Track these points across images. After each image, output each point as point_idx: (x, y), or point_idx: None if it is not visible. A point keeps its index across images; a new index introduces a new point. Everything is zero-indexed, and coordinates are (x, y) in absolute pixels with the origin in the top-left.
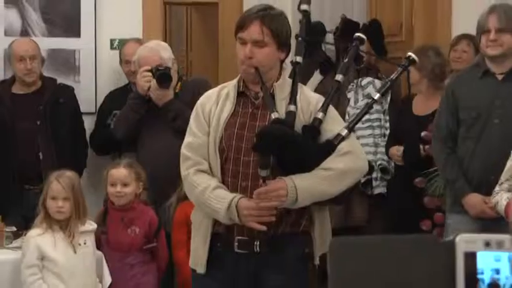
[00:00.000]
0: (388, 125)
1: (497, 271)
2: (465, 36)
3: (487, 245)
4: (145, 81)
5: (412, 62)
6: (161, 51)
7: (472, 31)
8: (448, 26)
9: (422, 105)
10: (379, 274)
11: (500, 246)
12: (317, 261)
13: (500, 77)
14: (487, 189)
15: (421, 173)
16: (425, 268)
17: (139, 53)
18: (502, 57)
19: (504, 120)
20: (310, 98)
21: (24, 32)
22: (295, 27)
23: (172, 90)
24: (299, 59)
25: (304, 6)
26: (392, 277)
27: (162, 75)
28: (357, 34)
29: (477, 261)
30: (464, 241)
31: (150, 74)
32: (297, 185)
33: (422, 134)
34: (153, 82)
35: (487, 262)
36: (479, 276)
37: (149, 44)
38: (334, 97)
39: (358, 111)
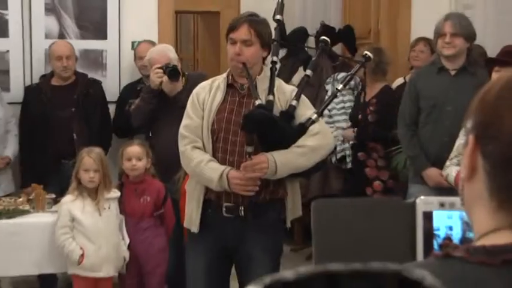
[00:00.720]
0: None
1: (450, 228)
2: (422, 39)
3: (442, 205)
4: (157, 77)
5: (368, 59)
6: (168, 52)
7: (428, 35)
8: (408, 30)
9: (367, 94)
10: (353, 229)
11: (452, 206)
12: (288, 225)
13: (453, 73)
14: (442, 164)
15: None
16: (391, 224)
17: (150, 54)
18: (455, 56)
19: (456, 107)
20: (285, 89)
21: (61, 36)
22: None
23: (181, 83)
24: (275, 58)
25: (277, 16)
26: (364, 231)
27: (172, 71)
28: (322, 37)
29: (433, 219)
30: (423, 202)
31: (161, 71)
32: (276, 159)
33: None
34: (165, 78)
35: (441, 220)
36: (435, 232)
37: (158, 47)
38: (314, 89)
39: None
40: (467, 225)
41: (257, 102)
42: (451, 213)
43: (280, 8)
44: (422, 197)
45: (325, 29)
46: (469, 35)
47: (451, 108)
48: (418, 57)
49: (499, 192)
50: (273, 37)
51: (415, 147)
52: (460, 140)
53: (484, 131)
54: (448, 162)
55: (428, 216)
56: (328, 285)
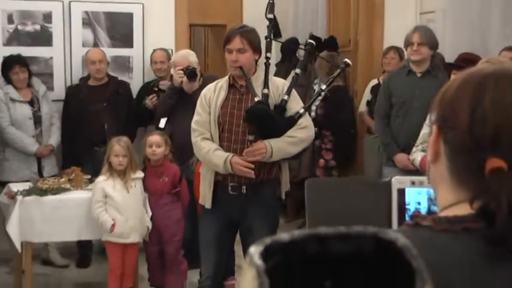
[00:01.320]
0: None
1: (419, 203)
2: (392, 48)
3: (413, 183)
4: (179, 77)
5: (347, 65)
6: (189, 56)
7: (398, 44)
8: (382, 40)
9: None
10: (340, 202)
11: (421, 184)
12: (283, 196)
13: (419, 75)
14: (410, 150)
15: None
16: (371, 199)
17: (174, 57)
18: (421, 62)
19: (421, 104)
20: (277, 83)
21: (95, 44)
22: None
23: (198, 83)
24: (269, 54)
25: (269, 15)
26: (349, 205)
27: (190, 73)
28: (308, 40)
29: (406, 195)
30: (397, 181)
31: (182, 72)
32: (273, 146)
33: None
34: (185, 78)
35: (412, 196)
36: (407, 206)
37: (181, 52)
38: (303, 89)
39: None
40: (431, 201)
41: (256, 99)
42: (420, 190)
43: (270, 8)
44: (397, 177)
45: (313, 39)
46: (433, 44)
47: (417, 104)
48: (390, 63)
49: (457, 172)
50: (266, 35)
51: (388, 136)
52: (424, 130)
53: (444, 122)
54: (414, 149)
55: (401, 193)
56: (318, 245)
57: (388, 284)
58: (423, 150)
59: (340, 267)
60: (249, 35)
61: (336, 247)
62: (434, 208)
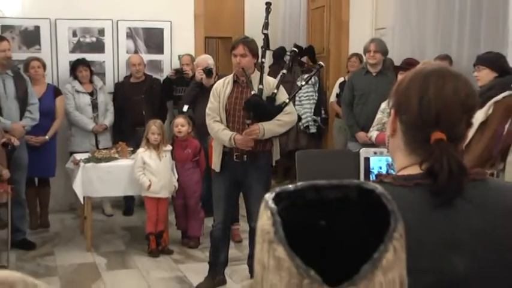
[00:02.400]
0: (317, 97)
1: (380, 167)
2: (355, 54)
3: (375, 153)
4: (200, 75)
5: (321, 67)
6: (208, 59)
7: (359, 51)
8: (347, 48)
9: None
10: (323, 168)
11: (381, 154)
12: (274, 164)
13: (374, 74)
14: (368, 129)
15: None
16: (344, 165)
17: (197, 60)
18: (376, 64)
19: (376, 95)
20: (269, 81)
21: (136, 51)
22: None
23: (213, 79)
24: (264, 60)
25: (265, 31)
26: (329, 170)
27: (208, 71)
28: (292, 48)
29: (370, 162)
30: (364, 151)
31: (202, 71)
32: (265, 127)
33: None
34: (204, 75)
35: (375, 162)
36: (371, 170)
37: (202, 56)
38: (289, 85)
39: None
40: (389, 166)
41: (253, 92)
42: (380, 158)
43: (265, 26)
44: (364, 148)
45: (296, 47)
46: (385, 52)
47: (373, 96)
48: (353, 65)
49: (410, 143)
50: (262, 45)
51: (351, 119)
52: (378, 115)
53: (399, 107)
54: (371, 129)
55: (367, 160)
56: (315, 193)
57: (369, 223)
58: (378, 130)
59: (332, 210)
60: (249, 44)
61: (328, 195)
62: (392, 171)
